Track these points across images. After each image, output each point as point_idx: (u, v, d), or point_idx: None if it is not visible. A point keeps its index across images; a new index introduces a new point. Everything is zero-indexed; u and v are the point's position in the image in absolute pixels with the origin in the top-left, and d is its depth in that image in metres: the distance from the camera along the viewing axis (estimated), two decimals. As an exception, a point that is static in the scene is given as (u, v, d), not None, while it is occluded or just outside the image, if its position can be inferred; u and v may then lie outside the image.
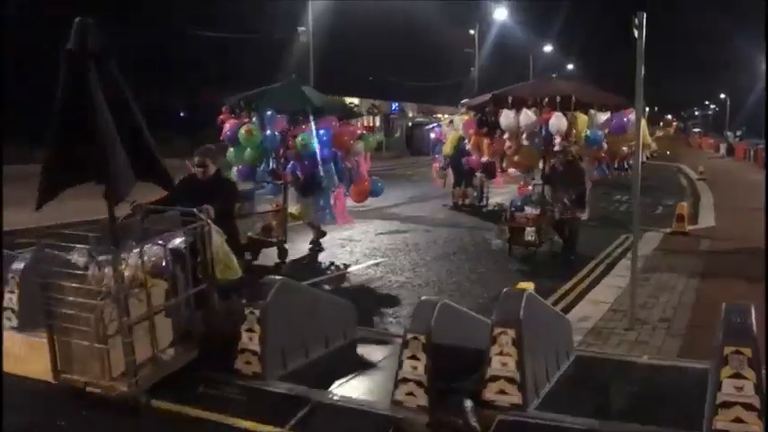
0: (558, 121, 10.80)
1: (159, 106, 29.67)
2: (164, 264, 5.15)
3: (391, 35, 47.43)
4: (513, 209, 11.52)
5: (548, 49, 68.11)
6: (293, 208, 11.14)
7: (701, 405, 4.43)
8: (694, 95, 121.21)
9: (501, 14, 52.43)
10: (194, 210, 5.49)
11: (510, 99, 11.39)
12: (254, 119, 11.05)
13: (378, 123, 55.00)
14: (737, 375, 4.13)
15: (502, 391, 4.79)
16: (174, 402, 5.01)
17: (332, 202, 11.22)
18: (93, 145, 4.53)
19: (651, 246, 12.04)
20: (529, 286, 6.52)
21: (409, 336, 4.94)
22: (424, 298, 5.41)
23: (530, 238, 11.11)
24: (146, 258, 5.02)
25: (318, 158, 10.50)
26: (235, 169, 11.01)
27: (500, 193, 19.21)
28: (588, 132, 11.18)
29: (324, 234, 11.96)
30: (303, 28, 30.94)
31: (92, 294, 4.80)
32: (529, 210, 11.31)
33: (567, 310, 8.03)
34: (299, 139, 10.47)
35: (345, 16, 38.70)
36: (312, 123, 10.53)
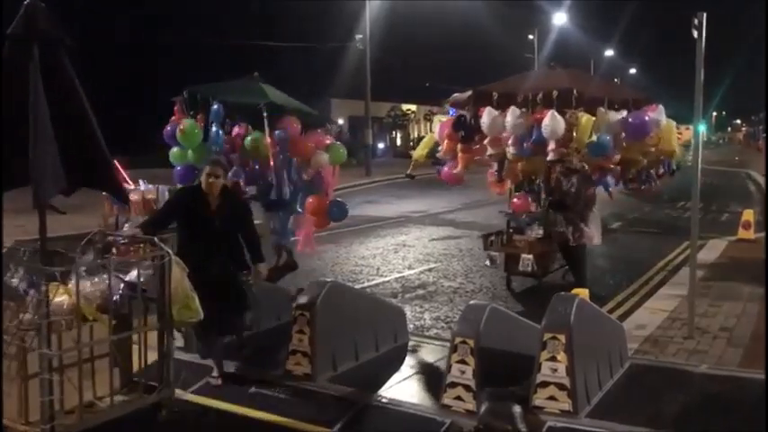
0: (552, 122, 8.46)
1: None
2: (115, 298, 4.47)
3: (448, 41, 47.34)
4: (511, 230, 9.52)
5: (609, 53, 66.86)
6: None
7: (761, 416, 4.29)
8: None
9: (560, 19, 51.79)
10: (154, 238, 4.78)
11: (495, 95, 9.22)
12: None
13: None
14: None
15: (552, 398, 4.74)
16: (225, 401, 5.13)
17: (291, 222, 9.34)
18: (20, 140, 3.96)
19: (715, 253, 11.66)
20: (583, 292, 6.42)
21: (458, 339, 4.94)
22: (473, 302, 5.40)
23: (525, 267, 9.12)
24: (96, 290, 4.41)
25: (271, 164, 8.69)
26: (173, 171, 9.21)
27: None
28: (593, 138, 8.79)
29: (295, 266, 9.54)
30: (360, 36, 31.23)
31: (21, 322, 4.20)
32: (530, 232, 9.35)
33: (624, 317, 7.87)
34: (248, 139, 8.76)
35: (401, 24, 38.88)
36: (266, 122, 8.72)
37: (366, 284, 9.86)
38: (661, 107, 9.57)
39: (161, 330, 4.68)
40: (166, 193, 7.43)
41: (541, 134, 8.69)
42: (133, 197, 7.66)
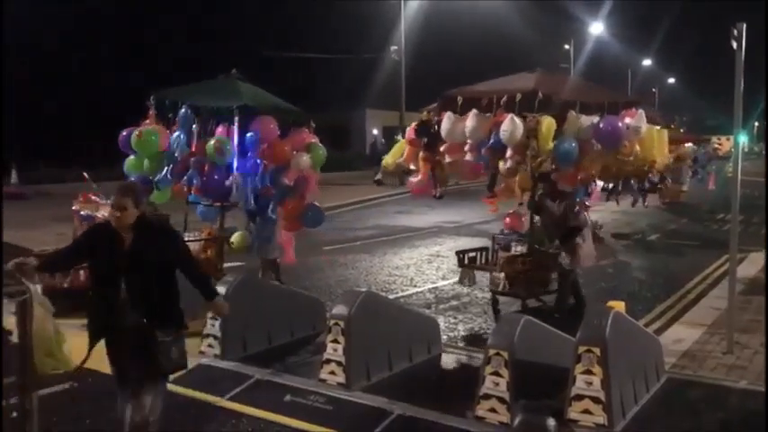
0: (511, 126, 7.62)
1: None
2: None
3: (483, 51, 47.31)
4: (497, 245, 8.91)
5: (647, 63, 66.08)
6: (235, 236, 8.61)
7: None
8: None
9: (597, 29, 51.35)
10: (9, 266, 3.90)
11: (460, 100, 8.51)
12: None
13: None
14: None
15: (586, 411, 4.72)
16: (260, 409, 5.20)
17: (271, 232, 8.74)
18: None
19: (755, 267, 11.42)
20: (619, 305, 6.36)
21: (491, 351, 4.94)
22: (507, 314, 5.39)
23: (495, 286, 8.45)
24: None
25: (234, 168, 8.04)
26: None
27: (595, 210, 18.69)
28: (555, 144, 7.87)
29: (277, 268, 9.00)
30: (395, 47, 31.40)
31: None
32: (515, 248, 8.66)
33: (661, 331, 7.77)
34: (212, 142, 7.99)
35: (437, 34, 39.00)
36: (236, 123, 8.08)
37: (400, 295, 9.89)
38: (641, 112, 8.47)
39: (21, 383, 3.78)
40: None
41: (499, 139, 7.86)
42: (99, 214, 7.56)
